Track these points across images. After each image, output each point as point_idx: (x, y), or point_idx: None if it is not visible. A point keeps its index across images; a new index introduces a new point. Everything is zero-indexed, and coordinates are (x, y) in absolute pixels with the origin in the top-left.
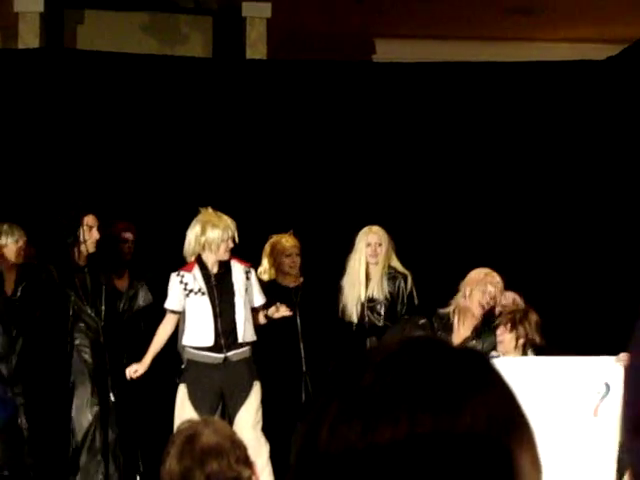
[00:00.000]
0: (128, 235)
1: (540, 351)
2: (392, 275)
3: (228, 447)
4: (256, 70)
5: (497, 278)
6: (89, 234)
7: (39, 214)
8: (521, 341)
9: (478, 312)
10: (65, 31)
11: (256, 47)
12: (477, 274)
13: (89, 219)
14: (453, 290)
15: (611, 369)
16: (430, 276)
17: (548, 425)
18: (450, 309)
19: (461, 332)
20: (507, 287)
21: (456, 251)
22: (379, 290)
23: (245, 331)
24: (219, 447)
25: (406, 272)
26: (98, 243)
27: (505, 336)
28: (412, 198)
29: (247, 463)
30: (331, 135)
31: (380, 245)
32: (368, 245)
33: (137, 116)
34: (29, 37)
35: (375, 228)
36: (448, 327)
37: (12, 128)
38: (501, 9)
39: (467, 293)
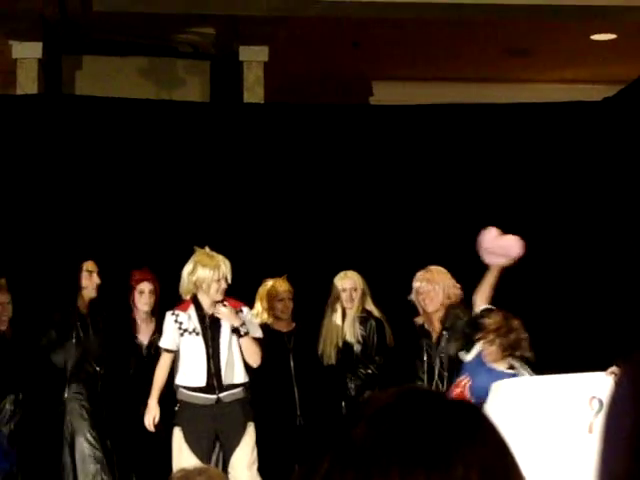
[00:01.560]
0: (144, 286)
1: (530, 365)
2: (364, 318)
3: None
4: (254, 114)
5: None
6: (89, 280)
7: (39, 262)
8: (506, 352)
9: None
10: (63, 77)
11: (253, 91)
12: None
13: (88, 264)
14: None
15: (603, 384)
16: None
17: (543, 444)
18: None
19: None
20: None
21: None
22: (351, 334)
23: (234, 373)
24: None
25: (380, 316)
26: (100, 289)
27: (489, 348)
28: (410, 242)
29: None
30: (328, 179)
31: (355, 290)
32: (344, 290)
33: (136, 161)
34: (27, 83)
35: (350, 273)
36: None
37: (10, 174)
38: (498, 51)
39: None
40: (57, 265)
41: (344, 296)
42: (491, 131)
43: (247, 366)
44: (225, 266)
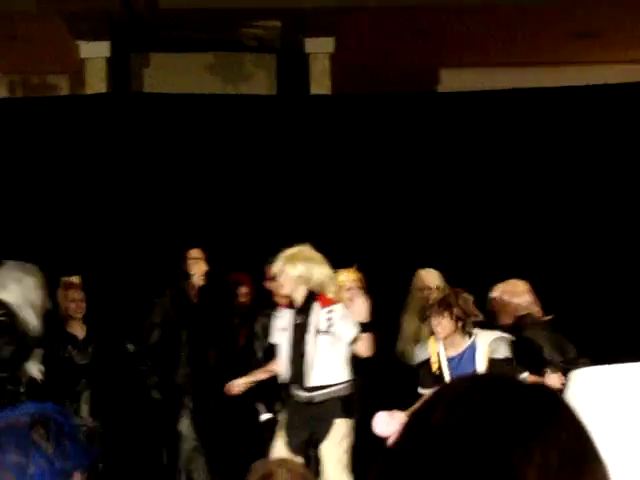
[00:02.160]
0: (241, 289)
1: (483, 326)
2: None
3: None
4: (321, 105)
5: None
6: (195, 267)
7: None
8: (460, 323)
9: None
10: (131, 75)
11: (320, 82)
12: None
13: (193, 252)
14: None
15: None
16: None
17: (621, 433)
18: None
19: None
20: None
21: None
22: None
23: (321, 373)
24: None
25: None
26: (209, 290)
27: (442, 322)
28: (484, 231)
29: None
30: (397, 168)
31: (437, 288)
32: (424, 288)
33: (205, 156)
34: (96, 82)
35: (430, 270)
36: None
37: (81, 174)
38: (565, 34)
39: None
40: (159, 255)
41: (425, 294)
42: (560, 114)
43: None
44: (300, 261)
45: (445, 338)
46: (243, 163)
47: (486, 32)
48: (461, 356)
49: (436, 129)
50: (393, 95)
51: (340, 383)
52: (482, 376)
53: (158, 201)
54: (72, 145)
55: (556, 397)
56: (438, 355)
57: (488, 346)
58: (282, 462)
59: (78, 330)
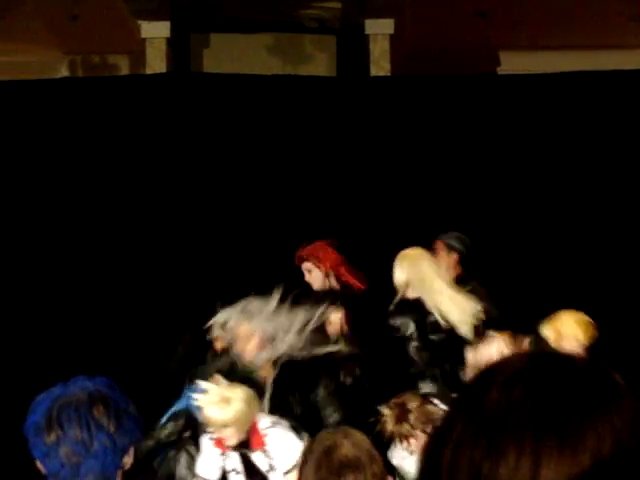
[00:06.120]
0: None
1: None
2: None
3: (365, 461)
4: (381, 87)
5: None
6: None
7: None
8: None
9: None
10: (191, 55)
11: (380, 64)
12: None
13: None
14: None
15: None
16: None
17: None
18: None
19: None
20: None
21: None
22: None
23: None
24: (357, 461)
25: None
26: None
27: None
28: (544, 217)
29: (383, 478)
30: (458, 149)
31: None
32: None
33: (264, 137)
34: (156, 62)
35: None
36: None
37: (142, 154)
38: (626, 17)
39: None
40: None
41: None
42: (619, 98)
43: None
44: None
45: None
46: (302, 145)
47: (548, 14)
48: None
49: (495, 112)
50: (453, 77)
51: None
52: (536, 355)
53: (218, 182)
54: (131, 126)
55: (613, 379)
56: None
57: None
58: (348, 434)
59: None
